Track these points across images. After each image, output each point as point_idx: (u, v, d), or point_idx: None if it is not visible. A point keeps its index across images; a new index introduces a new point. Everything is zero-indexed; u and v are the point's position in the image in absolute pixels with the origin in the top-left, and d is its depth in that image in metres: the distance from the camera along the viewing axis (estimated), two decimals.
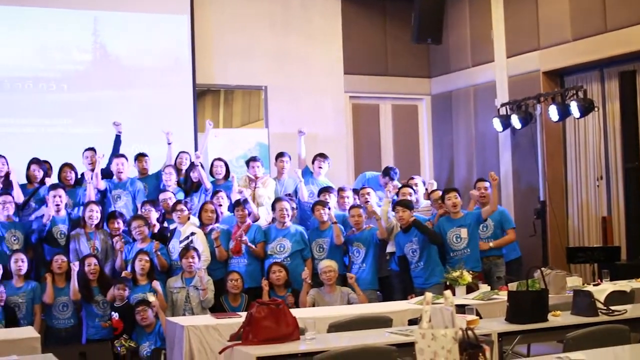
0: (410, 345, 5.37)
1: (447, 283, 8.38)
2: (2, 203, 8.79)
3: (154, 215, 9.17)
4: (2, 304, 8.02)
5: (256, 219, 9.40)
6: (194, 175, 9.89)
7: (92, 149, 9.98)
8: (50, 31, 11.34)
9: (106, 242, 9.04)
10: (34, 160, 9.55)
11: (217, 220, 9.19)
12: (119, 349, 8.11)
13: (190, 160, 10.32)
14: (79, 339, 8.55)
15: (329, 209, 9.37)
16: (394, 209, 9.11)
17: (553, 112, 10.65)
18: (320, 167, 10.46)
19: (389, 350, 5.44)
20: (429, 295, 3.96)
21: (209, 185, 9.76)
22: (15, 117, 11.07)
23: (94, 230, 8.99)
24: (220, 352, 5.96)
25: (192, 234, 8.89)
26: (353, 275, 8.85)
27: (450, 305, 3.88)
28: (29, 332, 7.00)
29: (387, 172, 10.62)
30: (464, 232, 9.10)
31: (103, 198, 9.58)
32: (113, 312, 8.27)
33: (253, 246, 9.02)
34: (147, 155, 10.06)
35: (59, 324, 8.44)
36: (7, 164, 9.37)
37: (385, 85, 13.54)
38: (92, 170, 9.74)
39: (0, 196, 8.82)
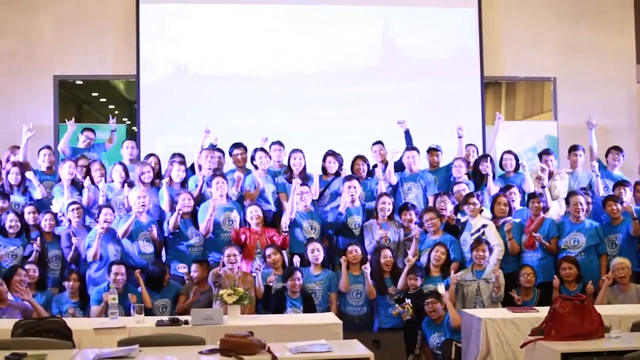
0: None
1: None
2: (300, 194, 9.13)
3: (449, 206, 9.18)
4: (297, 289, 8.32)
5: (545, 210, 9.19)
6: (482, 168, 9.80)
7: (380, 143, 10.18)
8: (342, 27, 11.81)
9: (398, 234, 9.15)
10: (330, 153, 9.81)
11: (509, 213, 9.05)
12: (402, 311, 8.24)
13: (479, 153, 10.28)
14: (371, 327, 8.71)
15: (622, 203, 9.00)
16: None
17: None
18: (615, 160, 10.07)
19: None
20: None
21: (493, 189, 9.64)
22: (309, 111, 11.62)
23: (386, 221, 9.13)
24: (521, 347, 5.90)
25: (484, 226, 8.82)
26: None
27: None
28: (331, 318, 7.28)
29: None
30: None
31: (394, 190, 9.72)
32: (407, 299, 8.37)
33: (547, 243, 8.78)
34: (439, 150, 10.08)
35: (352, 311, 8.61)
36: (304, 158, 9.70)
37: None
38: (382, 162, 9.96)
39: (300, 187, 9.16)
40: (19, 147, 9.88)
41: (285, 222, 8.93)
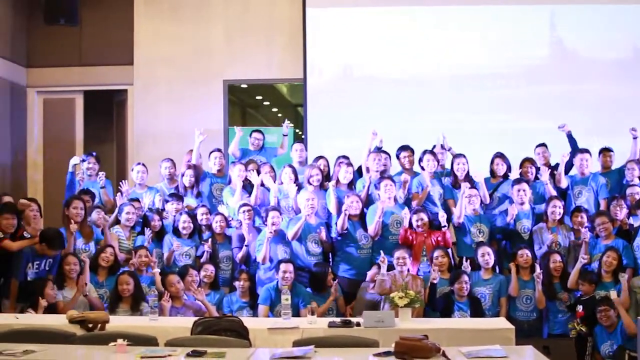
0: None
1: None
2: (469, 197, 9.07)
3: (623, 211, 8.90)
4: (465, 293, 8.25)
5: None
6: None
7: (544, 145, 10.04)
8: (509, 27, 11.65)
9: (568, 238, 8.96)
10: (498, 155, 9.72)
11: None
12: (570, 330, 8.08)
13: None
14: (540, 333, 8.56)
15: None
16: None
17: None
18: None
19: None
20: None
21: None
22: (475, 112, 11.52)
23: (556, 225, 8.96)
24: None
25: None
26: None
27: None
28: (503, 323, 7.17)
29: None
30: None
31: (564, 193, 9.52)
32: (579, 305, 8.19)
33: None
34: (612, 150, 9.80)
35: (521, 316, 8.48)
36: (467, 163, 9.61)
37: None
38: (545, 165, 9.79)
39: (468, 190, 9.10)
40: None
41: (442, 217, 8.93)
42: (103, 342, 5.89)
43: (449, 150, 10.09)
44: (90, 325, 6.74)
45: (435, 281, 8.29)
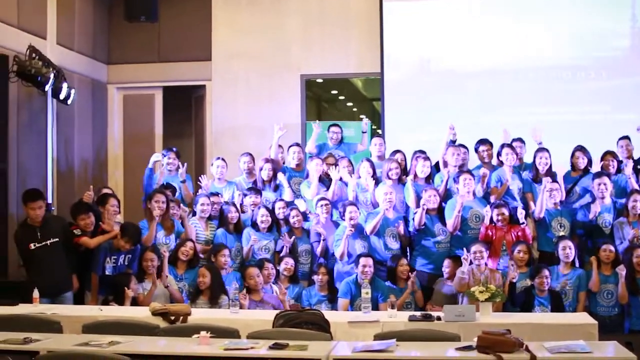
0: None
1: None
2: (550, 191, 8.95)
3: None
4: (545, 288, 8.15)
5: None
6: None
7: (627, 138, 9.84)
8: (586, 18, 11.48)
9: None
10: (578, 148, 9.58)
11: None
12: None
13: None
14: (622, 329, 8.41)
15: None
16: None
17: None
18: None
19: None
20: None
21: None
22: (555, 105, 11.39)
23: (637, 219, 8.79)
24: None
25: None
26: None
27: None
28: (585, 318, 7.07)
29: None
30: None
31: None
32: None
33: None
34: None
35: (602, 311, 8.34)
36: (550, 157, 9.48)
37: None
38: (628, 158, 9.65)
39: (550, 184, 8.97)
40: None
41: (520, 214, 8.80)
42: (186, 334, 6.00)
43: (538, 143, 9.94)
44: (173, 318, 6.86)
45: (514, 280, 8.20)
